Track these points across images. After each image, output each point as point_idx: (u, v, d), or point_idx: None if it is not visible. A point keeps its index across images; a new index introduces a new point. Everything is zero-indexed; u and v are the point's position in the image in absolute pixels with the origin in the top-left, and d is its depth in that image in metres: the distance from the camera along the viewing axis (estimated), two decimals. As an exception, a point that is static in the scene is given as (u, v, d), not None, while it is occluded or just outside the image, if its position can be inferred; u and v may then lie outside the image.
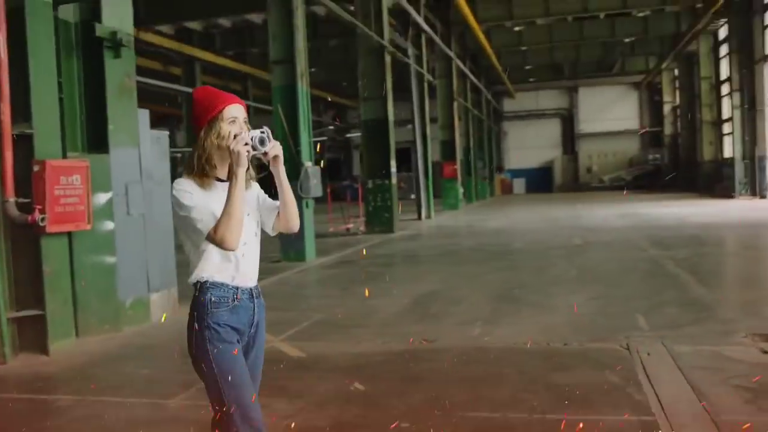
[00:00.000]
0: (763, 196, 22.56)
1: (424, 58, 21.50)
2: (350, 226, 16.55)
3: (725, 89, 26.88)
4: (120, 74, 6.55)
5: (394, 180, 16.35)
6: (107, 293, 6.36)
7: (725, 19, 25.04)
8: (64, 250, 5.90)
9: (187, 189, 2.41)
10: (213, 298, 2.42)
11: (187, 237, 2.47)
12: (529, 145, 42.03)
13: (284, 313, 6.84)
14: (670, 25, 27.68)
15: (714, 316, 6.25)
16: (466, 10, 21.61)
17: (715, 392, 4.00)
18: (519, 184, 42.09)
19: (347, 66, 16.51)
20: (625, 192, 31.44)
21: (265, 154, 2.42)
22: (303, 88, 11.43)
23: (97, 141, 6.42)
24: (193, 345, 2.43)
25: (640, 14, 26.97)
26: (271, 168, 2.48)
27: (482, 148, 34.84)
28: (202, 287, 2.44)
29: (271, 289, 8.72)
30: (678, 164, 34.55)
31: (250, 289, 2.52)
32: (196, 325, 2.42)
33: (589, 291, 7.64)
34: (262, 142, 2.40)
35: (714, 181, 27.00)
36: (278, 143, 2.46)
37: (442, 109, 25.52)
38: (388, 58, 16.36)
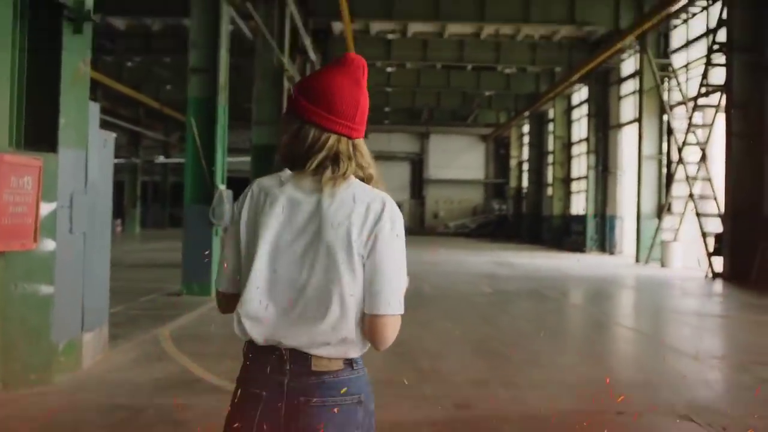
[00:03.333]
0: (611, 253, 23.99)
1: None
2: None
3: (576, 149, 28.63)
4: (78, 56, 5.19)
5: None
6: (39, 334, 4.89)
7: (581, 85, 26.75)
8: (-1, 275, 4.43)
9: None
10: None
11: (375, 282, 1.70)
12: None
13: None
14: (530, 84, 29.21)
15: (733, 382, 6.01)
16: (351, 45, 21.21)
17: None
18: (366, 224, 42.00)
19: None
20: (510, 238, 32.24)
21: None
22: (222, 102, 10.22)
23: (40, 136, 4.98)
24: None
25: (507, 70, 28.16)
26: None
27: (337, 185, 34.40)
28: (355, 362, 1.78)
29: (200, 330, 7.44)
30: (522, 216, 36.22)
31: None
32: (364, 415, 1.79)
33: (569, 349, 7.20)
34: None
35: (561, 235, 28.46)
36: None
37: (312, 141, 24.83)
38: (286, 83, 15.40)
